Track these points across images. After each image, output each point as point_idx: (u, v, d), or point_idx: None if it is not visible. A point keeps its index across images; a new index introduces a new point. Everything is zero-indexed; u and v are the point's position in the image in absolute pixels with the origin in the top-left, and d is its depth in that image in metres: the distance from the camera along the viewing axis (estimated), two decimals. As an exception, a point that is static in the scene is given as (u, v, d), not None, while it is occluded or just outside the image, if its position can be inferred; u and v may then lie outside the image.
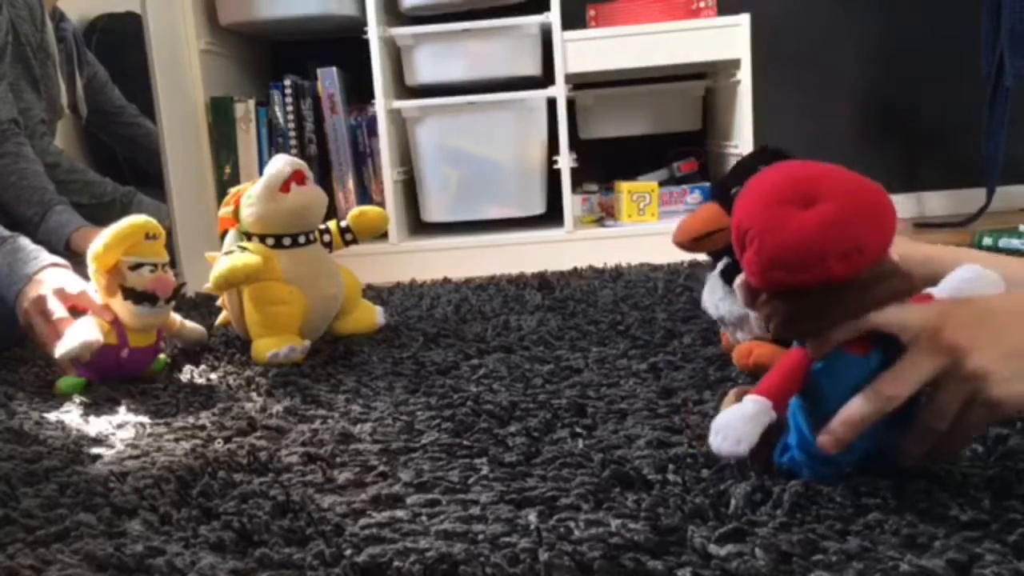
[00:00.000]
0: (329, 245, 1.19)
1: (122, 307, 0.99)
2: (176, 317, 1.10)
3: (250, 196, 1.09)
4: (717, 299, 0.91)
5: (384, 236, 1.60)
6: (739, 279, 0.61)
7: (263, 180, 1.08)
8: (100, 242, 0.97)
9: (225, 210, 1.13)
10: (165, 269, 1.01)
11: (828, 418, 0.56)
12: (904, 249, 0.67)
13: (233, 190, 1.14)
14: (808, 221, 0.54)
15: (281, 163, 1.08)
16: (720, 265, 0.92)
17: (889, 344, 0.56)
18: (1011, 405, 0.54)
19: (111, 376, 1.00)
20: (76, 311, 1.01)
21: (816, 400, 0.58)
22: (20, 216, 1.47)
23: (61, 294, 1.01)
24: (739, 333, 0.90)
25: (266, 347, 1.05)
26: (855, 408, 0.55)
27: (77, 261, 1.07)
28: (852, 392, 0.56)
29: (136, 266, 0.98)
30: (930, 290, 0.59)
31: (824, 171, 0.56)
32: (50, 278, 1.04)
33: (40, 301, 1.01)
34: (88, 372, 1.00)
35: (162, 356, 1.07)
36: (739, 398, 0.60)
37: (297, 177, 1.08)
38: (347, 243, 1.21)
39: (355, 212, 1.21)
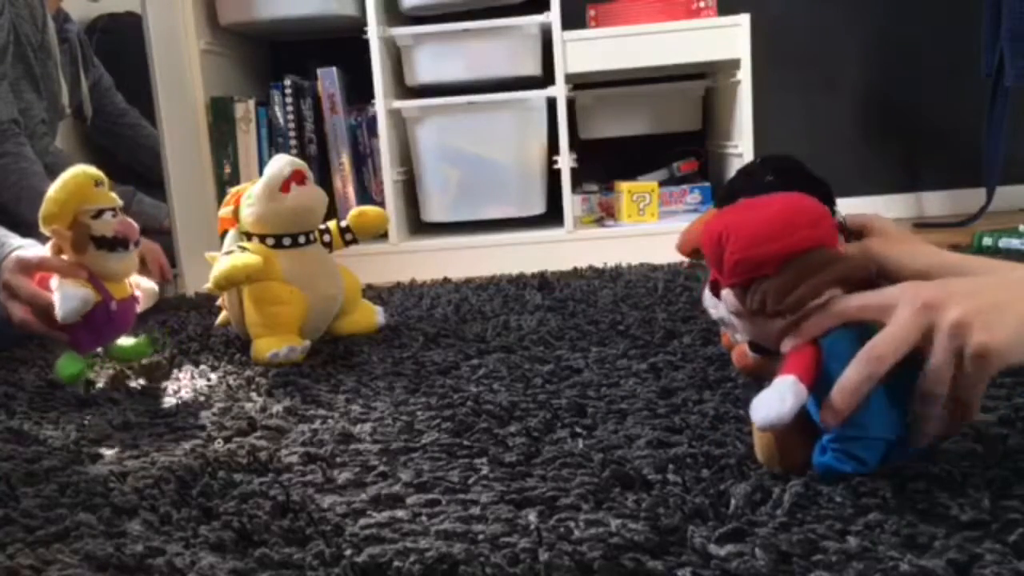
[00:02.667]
0: (329, 245, 1.19)
1: (97, 258, 0.96)
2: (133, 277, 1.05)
3: (250, 196, 1.09)
4: (716, 301, 0.91)
5: (384, 236, 1.60)
6: (725, 292, 0.65)
7: (263, 180, 1.08)
8: (48, 201, 0.93)
9: (225, 210, 1.13)
10: (121, 212, 0.98)
11: None
12: (931, 256, 0.69)
13: (233, 190, 1.14)
14: (769, 209, 0.62)
15: (281, 163, 1.08)
16: None
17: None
18: (1000, 352, 0.54)
19: (107, 334, 0.99)
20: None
21: (827, 386, 0.59)
22: (20, 216, 1.47)
23: (23, 267, 0.97)
24: (739, 334, 0.90)
25: (266, 347, 1.05)
26: (848, 375, 0.57)
27: None
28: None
29: (98, 213, 0.95)
30: None
31: (770, 197, 0.66)
32: (8, 263, 1.00)
33: (6, 286, 0.98)
34: (89, 335, 0.97)
35: (145, 337, 1.05)
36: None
37: (297, 177, 1.08)
38: (347, 243, 1.21)
39: (355, 212, 1.21)
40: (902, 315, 0.56)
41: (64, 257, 0.97)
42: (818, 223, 0.62)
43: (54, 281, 0.96)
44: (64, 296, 0.93)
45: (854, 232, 0.77)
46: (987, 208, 1.89)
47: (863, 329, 0.59)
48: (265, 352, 1.04)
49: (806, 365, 0.59)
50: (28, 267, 0.97)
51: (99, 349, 1.03)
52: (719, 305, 0.92)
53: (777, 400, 0.57)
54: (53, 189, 0.94)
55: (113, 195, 0.98)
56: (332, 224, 1.20)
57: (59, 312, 0.92)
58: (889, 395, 0.59)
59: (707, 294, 0.94)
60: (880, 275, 0.69)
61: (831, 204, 0.86)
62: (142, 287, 1.05)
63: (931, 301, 0.56)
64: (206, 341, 1.19)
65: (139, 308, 1.05)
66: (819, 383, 0.59)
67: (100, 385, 1.01)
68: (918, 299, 0.56)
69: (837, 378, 0.58)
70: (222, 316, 1.19)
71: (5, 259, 1.01)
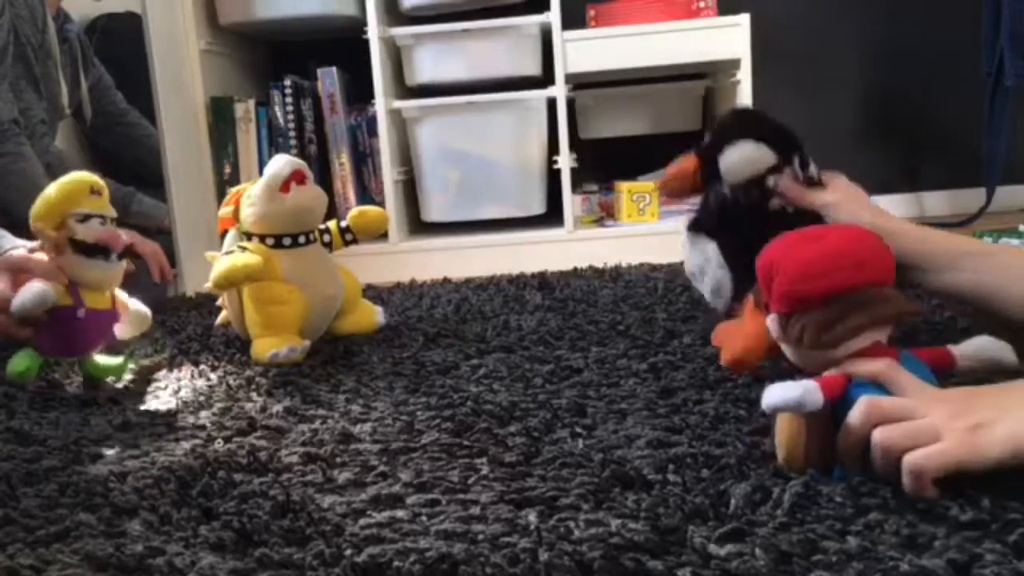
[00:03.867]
0: (329, 245, 1.19)
1: (73, 261, 0.95)
2: (122, 297, 1.04)
3: (250, 196, 1.09)
4: (694, 253, 0.94)
5: (384, 236, 1.60)
6: (770, 317, 0.67)
7: (263, 180, 1.08)
8: (39, 200, 0.93)
9: (225, 210, 1.13)
10: (113, 224, 0.98)
11: None
12: (896, 226, 0.81)
13: (233, 190, 1.14)
14: (822, 244, 0.64)
15: (281, 163, 1.08)
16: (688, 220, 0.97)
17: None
18: (979, 447, 0.55)
19: (73, 342, 0.97)
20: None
21: (843, 411, 0.61)
22: (20, 215, 1.47)
23: (3, 266, 0.97)
24: (702, 284, 0.93)
25: (266, 347, 1.05)
26: (851, 415, 0.59)
27: None
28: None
29: (85, 218, 0.95)
30: (951, 347, 0.67)
31: (825, 227, 0.70)
32: None
33: None
34: (53, 339, 0.96)
35: (122, 359, 1.03)
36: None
37: (297, 177, 1.08)
38: (347, 243, 1.21)
39: (355, 212, 1.21)
40: (919, 401, 0.59)
41: (45, 258, 0.96)
42: (865, 263, 0.63)
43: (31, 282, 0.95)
44: (23, 290, 0.92)
45: (821, 182, 0.91)
46: (987, 208, 1.89)
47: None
48: (265, 352, 1.04)
49: (832, 385, 0.61)
50: (9, 265, 0.97)
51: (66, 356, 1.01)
52: (696, 254, 0.95)
53: (792, 391, 0.59)
54: (48, 189, 0.95)
55: (108, 205, 0.98)
56: (332, 224, 1.20)
57: (13, 304, 0.91)
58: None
59: (685, 252, 0.98)
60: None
61: (797, 149, 0.90)
62: (131, 309, 1.04)
63: (943, 398, 0.59)
64: (206, 341, 1.19)
65: (126, 331, 1.05)
66: (838, 406, 0.61)
67: (128, 378, 1.01)
68: (936, 398, 0.59)
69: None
70: (222, 316, 1.19)
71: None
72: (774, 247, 0.67)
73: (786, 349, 0.68)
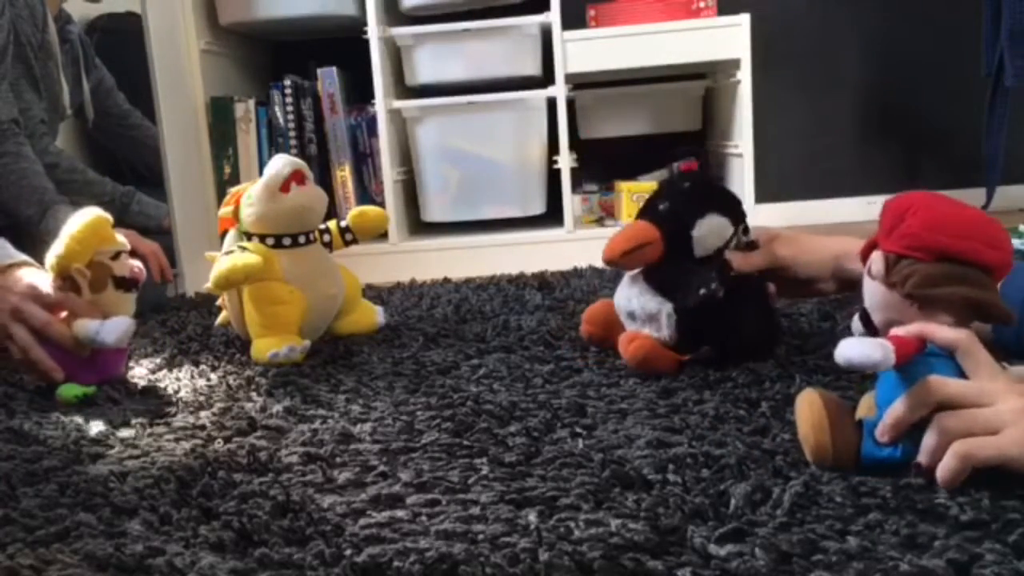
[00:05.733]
0: (329, 245, 1.19)
1: (115, 298, 0.97)
2: None
3: (250, 196, 1.09)
4: (633, 294, 0.94)
5: (384, 236, 1.60)
6: (877, 252, 0.66)
7: (263, 180, 1.08)
8: (70, 240, 0.94)
9: (225, 210, 1.13)
10: (127, 255, 1.00)
11: None
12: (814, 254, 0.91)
13: (233, 190, 1.14)
14: (966, 209, 0.65)
15: (281, 163, 1.08)
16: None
17: None
18: (987, 460, 0.56)
19: (112, 370, 0.99)
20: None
21: (910, 379, 0.61)
22: (20, 215, 1.48)
23: (38, 297, 0.96)
24: (646, 328, 0.92)
25: (266, 347, 1.05)
26: (914, 393, 0.60)
27: None
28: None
29: (116, 255, 0.98)
30: (1004, 364, 0.64)
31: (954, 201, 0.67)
32: (16, 281, 0.99)
33: (16, 312, 0.96)
34: (91, 371, 0.97)
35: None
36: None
37: (297, 177, 1.08)
38: (347, 243, 1.21)
39: (355, 212, 1.21)
40: (991, 382, 0.59)
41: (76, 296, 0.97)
42: (998, 246, 0.63)
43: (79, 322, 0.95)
44: (113, 322, 0.94)
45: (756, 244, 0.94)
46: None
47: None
48: (265, 352, 1.04)
49: (907, 348, 0.61)
50: (43, 299, 0.97)
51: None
52: (631, 300, 0.96)
53: (874, 351, 0.59)
54: (69, 230, 0.95)
55: (121, 238, 1.00)
56: (332, 224, 1.20)
57: (111, 337, 0.93)
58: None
59: (620, 290, 0.98)
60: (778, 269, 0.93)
61: (742, 218, 0.92)
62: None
63: (1019, 389, 0.58)
64: (206, 341, 1.19)
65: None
66: (905, 375, 0.61)
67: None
68: (1009, 384, 0.59)
69: (920, 376, 0.60)
70: (222, 316, 1.19)
71: (3, 272, 1.00)
72: (915, 194, 0.67)
73: (870, 289, 0.67)
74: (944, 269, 0.63)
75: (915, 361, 0.61)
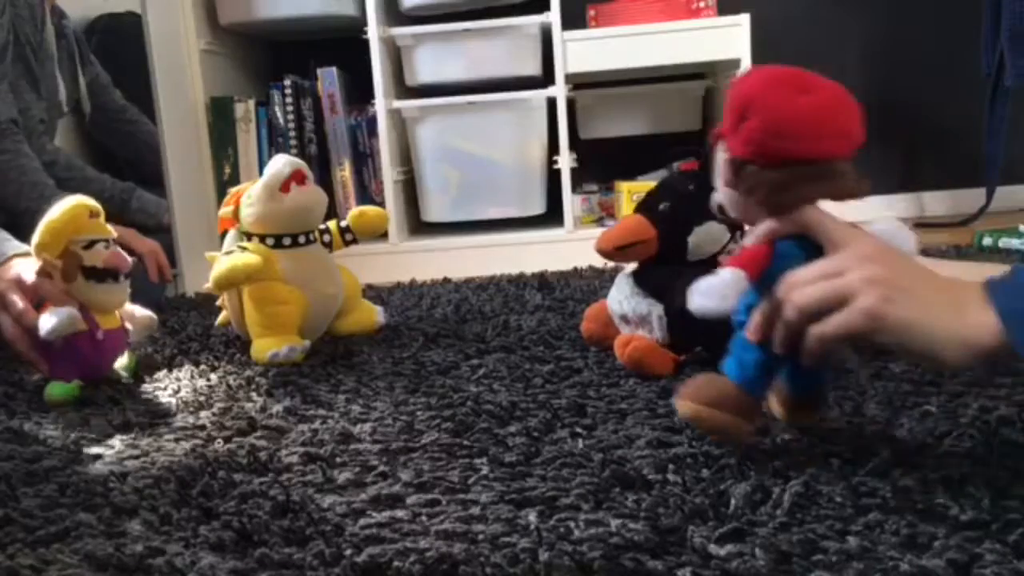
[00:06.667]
0: (329, 245, 1.19)
1: (85, 288, 0.96)
2: (127, 306, 1.04)
3: (250, 196, 1.09)
4: (623, 297, 0.95)
5: (384, 236, 1.60)
6: (723, 153, 0.65)
7: (263, 180, 1.08)
8: (43, 229, 0.93)
9: (225, 210, 1.13)
10: (113, 245, 0.98)
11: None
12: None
13: (233, 190, 1.14)
14: (808, 102, 0.61)
15: (281, 163, 1.08)
16: (629, 268, 0.97)
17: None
18: (886, 323, 0.56)
19: (92, 364, 0.97)
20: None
21: (768, 283, 0.62)
22: (19, 210, 1.47)
23: (20, 285, 0.98)
24: (639, 331, 0.92)
25: (266, 347, 1.05)
26: (775, 292, 0.61)
27: None
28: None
29: (90, 244, 0.96)
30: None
31: (810, 73, 0.65)
32: (7, 270, 1.00)
33: (1, 296, 0.98)
34: (70, 364, 0.96)
35: (130, 354, 1.04)
36: None
37: (297, 177, 1.08)
38: (347, 243, 1.21)
39: (355, 212, 1.21)
40: (840, 256, 0.60)
41: (54, 284, 0.96)
42: (840, 136, 0.61)
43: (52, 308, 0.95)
44: (50, 314, 0.92)
45: None
46: (987, 208, 1.89)
47: (814, 244, 0.62)
48: (265, 352, 1.04)
49: (756, 261, 0.63)
50: (25, 289, 0.97)
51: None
52: (623, 303, 0.96)
53: (719, 295, 0.61)
54: (47, 218, 0.94)
55: (108, 227, 0.98)
56: (332, 224, 1.20)
57: (42, 328, 0.92)
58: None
59: (613, 292, 0.99)
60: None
61: (741, 227, 0.92)
62: (136, 316, 1.04)
63: (865, 254, 0.59)
64: (206, 341, 1.19)
65: (133, 338, 1.05)
66: (762, 281, 0.62)
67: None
68: (854, 249, 0.60)
69: (778, 278, 0.61)
70: (222, 316, 1.19)
71: (4, 263, 1.01)
72: (756, 80, 0.63)
73: (725, 194, 0.67)
74: (790, 174, 0.62)
75: (775, 261, 0.63)
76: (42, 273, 0.96)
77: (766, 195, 0.62)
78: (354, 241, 1.21)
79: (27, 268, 1.00)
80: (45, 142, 1.68)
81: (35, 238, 0.94)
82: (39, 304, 0.97)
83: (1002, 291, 0.56)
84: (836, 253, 0.61)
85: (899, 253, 0.62)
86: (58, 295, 0.95)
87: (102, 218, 0.98)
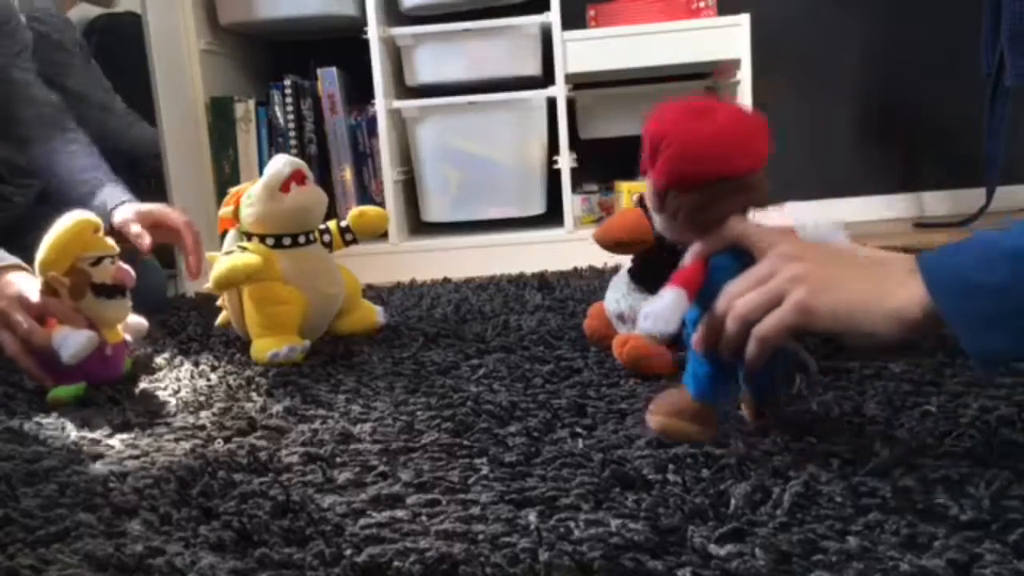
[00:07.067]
0: (329, 245, 1.19)
1: (95, 305, 0.96)
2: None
3: (250, 196, 1.09)
4: (619, 296, 0.95)
5: (384, 236, 1.60)
6: (648, 184, 0.70)
7: (263, 180, 1.08)
8: (48, 247, 0.94)
9: (225, 210, 1.13)
10: (119, 260, 0.99)
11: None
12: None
13: (233, 190, 1.14)
14: (711, 125, 0.66)
15: (281, 163, 1.08)
16: (624, 268, 0.97)
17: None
18: (815, 313, 0.59)
19: (101, 379, 0.98)
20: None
21: (708, 297, 0.66)
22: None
23: (23, 303, 0.96)
24: (636, 329, 0.93)
25: (266, 347, 1.05)
26: (710, 313, 0.65)
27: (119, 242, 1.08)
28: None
29: (97, 261, 0.96)
30: (796, 226, 0.71)
31: (714, 101, 0.70)
32: (6, 286, 0.98)
33: (2, 318, 0.96)
34: (79, 380, 0.96)
35: (127, 357, 1.04)
36: None
37: (297, 177, 1.08)
38: (347, 243, 1.21)
39: (355, 212, 1.21)
40: (766, 261, 0.63)
41: (60, 302, 0.96)
42: (746, 152, 0.66)
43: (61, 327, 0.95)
44: (71, 338, 0.92)
45: None
46: (987, 208, 1.89)
47: (747, 253, 0.66)
48: (265, 352, 1.04)
49: (692, 280, 0.67)
50: (29, 306, 0.96)
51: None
52: (619, 301, 0.96)
53: (664, 319, 0.65)
54: (51, 235, 0.94)
55: (111, 242, 0.99)
56: (332, 224, 1.20)
57: (66, 354, 0.92)
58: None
59: (610, 292, 0.99)
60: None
61: None
62: (129, 323, 1.05)
63: (788, 254, 0.63)
64: (206, 341, 1.19)
65: (131, 346, 1.06)
66: (702, 295, 0.66)
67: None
68: (780, 252, 0.63)
69: (716, 293, 0.65)
70: (222, 316, 1.19)
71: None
72: (665, 116, 0.68)
73: (658, 219, 0.71)
74: (706, 195, 0.66)
75: (711, 275, 0.67)
76: (47, 291, 0.96)
77: (688, 216, 0.67)
78: (354, 241, 1.21)
79: (28, 284, 0.98)
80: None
81: (40, 255, 0.94)
82: (40, 320, 0.97)
83: (930, 262, 0.58)
84: (764, 258, 0.64)
85: (822, 246, 0.65)
86: (68, 313, 0.95)
87: (102, 231, 0.98)
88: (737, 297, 0.63)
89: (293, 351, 1.04)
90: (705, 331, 0.66)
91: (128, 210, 1.26)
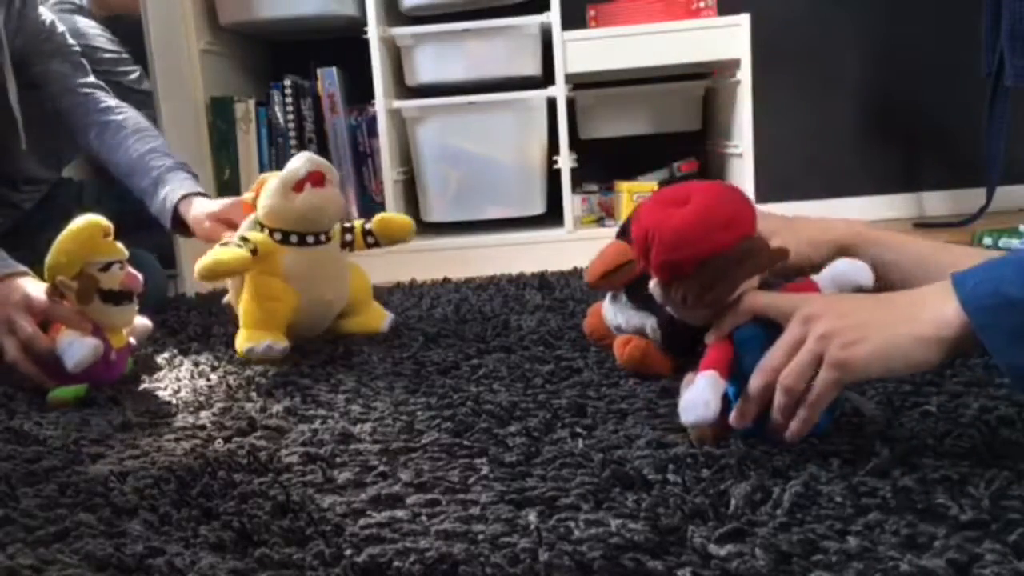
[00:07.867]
0: (351, 244, 1.17)
1: (102, 310, 0.96)
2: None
3: (268, 188, 1.09)
4: (616, 309, 0.96)
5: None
6: (652, 282, 0.71)
7: (280, 176, 1.07)
8: (56, 251, 0.94)
9: (248, 195, 1.13)
10: (125, 264, 0.99)
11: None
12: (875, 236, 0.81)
13: (261, 177, 1.13)
14: (687, 210, 0.67)
15: (299, 162, 1.06)
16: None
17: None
18: (854, 366, 0.60)
19: (104, 383, 0.98)
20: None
21: (740, 375, 0.67)
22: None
23: (28, 308, 0.96)
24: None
25: (246, 339, 1.04)
26: (750, 386, 0.65)
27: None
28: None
29: (107, 266, 0.96)
30: (813, 277, 0.72)
31: (690, 183, 0.72)
32: (14, 291, 0.98)
33: (7, 323, 0.95)
34: (81, 380, 0.96)
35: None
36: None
37: (313, 178, 1.06)
38: (368, 245, 1.18)
39: (381, 218, 1.19)
40: (793, 327, 0.64)
41: (67, 305, 0.96)
42: (731, 224, 0.66)
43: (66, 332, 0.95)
44: (76, 346, 0.92)
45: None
46: (987, 208, 1.89)
47: (772, 324, 0.66)
48: (244, 344, 1.04)
49: (722, 359, 0.67)
50: (33, 310, 0.96)
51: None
52: (617, 315, 0.97)
53: (703, 405, 0.64)
54: (61, 239, 0.94)
55: (119, 246, 0.98)
56: (358, 224, 1.17)
57: (70, 362, 0.92)
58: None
59: (606, 304, 0.99)
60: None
61: None
62: (135, 325, 1.05)
63: (810, 315, 0.63)
64: (206, 341, 1.19)
65: (136, 347, 1.07)
66: (734, 373, 0.67)
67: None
68: (802, 315, 0.64)
69: (748, 366, 0.66)
70: (230, 295, 1.19)
71: (3, 281, 0.99)
72: (647, 214, 0.69)
73: (674, 311, 0.73)
74: (706, 275, 0.67)
75: (738, 348, 0.67)
76: (53, 295, 0.96)
77: (697, 298, 0.68)
78: (376, 244, 1.19)
79: (34, 289, 0.98)
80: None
81: (49, 258, 0.94)
82: (43, 324, 0.97)
83: (965, 279, 0.59)
84: (788, 324, 0.65)
85: (842, 297, 0.67)
86: (75, 318, 0.95)
87: (112, 235, 0.98)
88: (777, 371, 0.63)
89: (271, 349, 1.03)
90: (744, 407, 0.66)
91: (200, 209, 1.24)
